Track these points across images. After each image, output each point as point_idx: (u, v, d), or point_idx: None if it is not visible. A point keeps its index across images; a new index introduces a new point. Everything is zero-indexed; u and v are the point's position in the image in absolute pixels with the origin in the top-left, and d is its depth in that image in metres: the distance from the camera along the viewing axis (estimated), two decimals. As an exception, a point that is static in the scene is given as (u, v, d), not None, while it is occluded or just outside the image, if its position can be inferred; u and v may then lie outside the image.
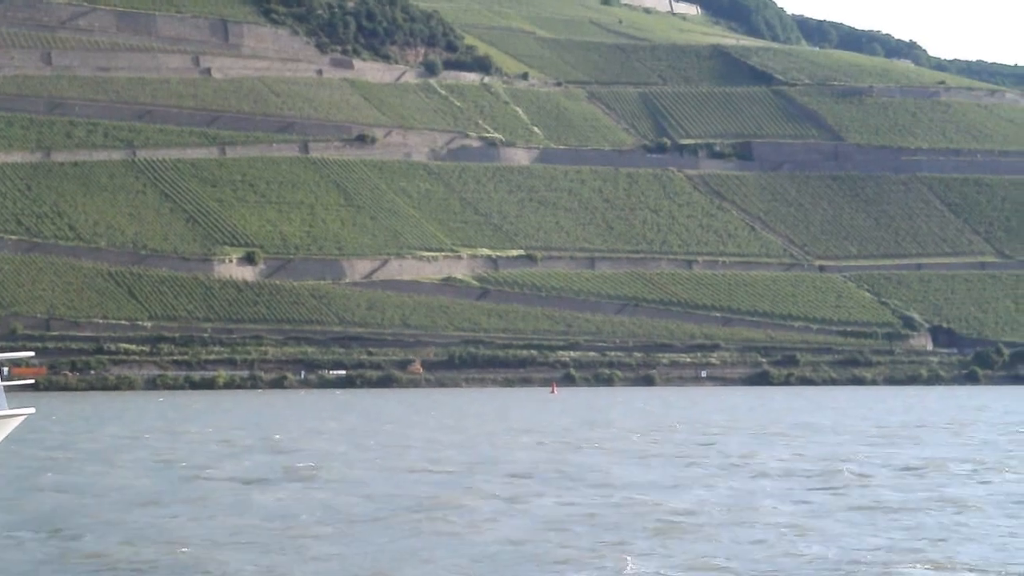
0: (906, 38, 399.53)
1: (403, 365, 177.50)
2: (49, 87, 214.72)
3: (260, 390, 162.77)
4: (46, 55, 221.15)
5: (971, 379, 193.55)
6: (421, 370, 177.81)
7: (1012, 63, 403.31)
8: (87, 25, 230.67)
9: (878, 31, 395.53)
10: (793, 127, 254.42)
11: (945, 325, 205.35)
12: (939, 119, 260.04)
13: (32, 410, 30.09)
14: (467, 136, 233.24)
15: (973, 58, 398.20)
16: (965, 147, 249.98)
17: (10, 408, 27.78)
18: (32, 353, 34.35)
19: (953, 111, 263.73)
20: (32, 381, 35.81)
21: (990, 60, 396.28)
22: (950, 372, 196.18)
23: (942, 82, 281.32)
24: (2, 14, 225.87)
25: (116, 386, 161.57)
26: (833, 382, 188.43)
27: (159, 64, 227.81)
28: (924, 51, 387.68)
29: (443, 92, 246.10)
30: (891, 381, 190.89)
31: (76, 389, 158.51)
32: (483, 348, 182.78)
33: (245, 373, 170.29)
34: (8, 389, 28.95)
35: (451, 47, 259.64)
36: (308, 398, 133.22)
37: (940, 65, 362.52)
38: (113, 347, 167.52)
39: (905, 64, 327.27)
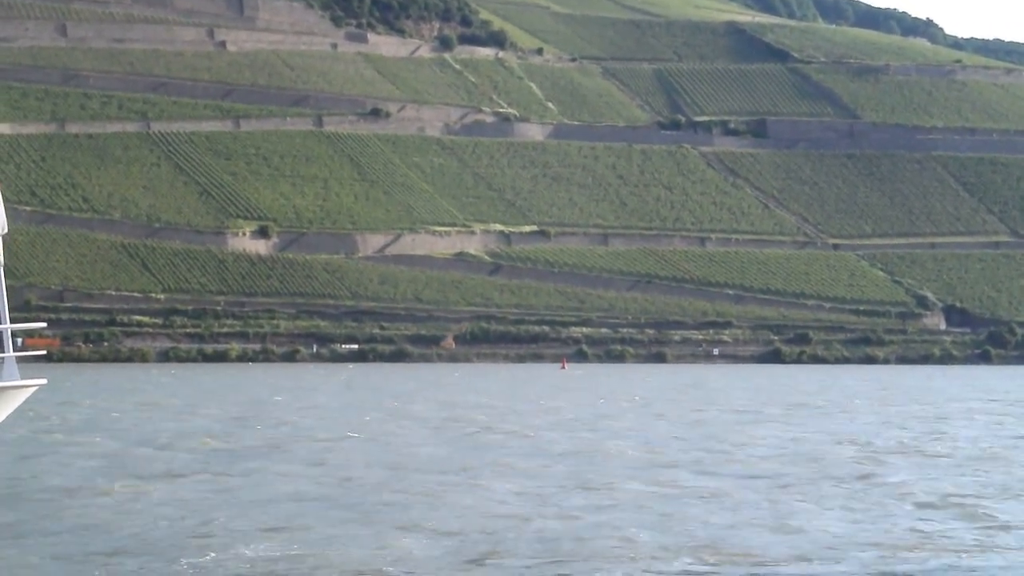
0: (922, 16, 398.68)
1: (415, 340, 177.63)
2: (64, 58, 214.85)
3: (272, 363, 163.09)
4: (61, 26, 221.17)
5: (984, 359, 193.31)
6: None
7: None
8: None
9: (894, 9, 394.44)
10: (808, 105, 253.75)
11: (959, 304, 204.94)
12: (955, 98, 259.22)
13: (44, 381, 30.14)
14: (481, 111, 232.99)
15: (990, 36, 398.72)
16: (981, 126, 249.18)
17: (23, 379, 27.87)
18: (45, 324, 34.41)
19: (969, 90, 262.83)
20: (44, 352, 35.90)
21: (1007, 39, 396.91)
22: (963, 352, 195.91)
23: (958, 60, 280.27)
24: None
25: (129, 358, 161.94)
26: (846, 361, 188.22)
27: (174, 36, 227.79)
28: (940, 29, 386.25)
29: (457, 67, 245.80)
30: (903, 360, 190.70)
31: (89, 361, 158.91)
32: (495, 323, 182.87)
33: (257, 346, 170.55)
34: (21, 360, 29.02)
35: (466, 22, 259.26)
36: (339, 371, 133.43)
37: (956, 43, 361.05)
38: (126, 319, 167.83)
39: (921, 42, 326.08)
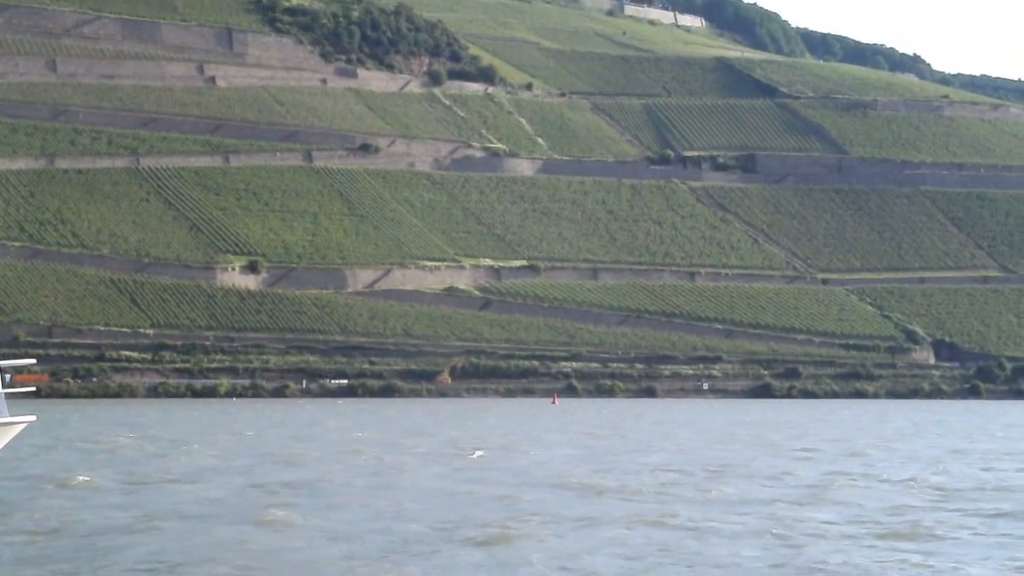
0: (910, 52, 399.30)
1: (404, 375, 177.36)
2: (54, 94, 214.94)
3: (263, 399, 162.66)
4: (51, 62, 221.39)
5: (973, 393, 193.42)
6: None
7: (1016, 77, 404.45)
8: (92, 33, 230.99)
9: (882, 44, 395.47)
10: (797, 140, 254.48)
11: (948, 339, 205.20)
12: (943, 133, 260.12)
13: (33, 418, 30.05)
14: (470, 146, 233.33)
15: (977, 72, 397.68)
16: (969, 161, 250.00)
17: (11, 416, 27.74)
18: (34, 360, 34.35)
19: (957, 125, 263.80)
20: (33, 388, 35.51)
21: (994, 74, 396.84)
22: (952, 386, 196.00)
23: (946, 96, 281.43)
24: (7, 21, 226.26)
25: (118, 393, 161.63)
26: (835, 395, 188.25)
27: (163, 72, 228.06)
28: (928, 65, 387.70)
29: (447, 102, 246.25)
30: (893, 395, 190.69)
31: (78, 396, 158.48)
32: (485, 358, 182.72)
33: (247, 382, 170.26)
34: (9, 396, 28.90)
35: (455, 57, 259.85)
36: (350, 407, 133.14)
37: (944, 79, 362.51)
38: (115, 355, 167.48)
39: (909, 78, 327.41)
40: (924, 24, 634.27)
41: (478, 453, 55.40)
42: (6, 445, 29.39)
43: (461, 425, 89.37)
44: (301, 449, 59.87)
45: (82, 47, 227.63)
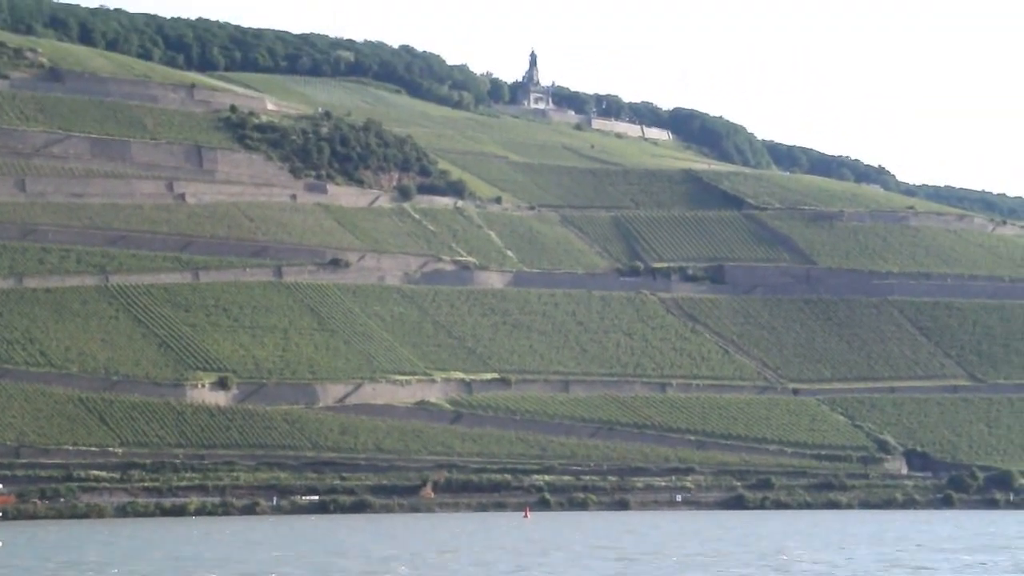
0: (875, 163, 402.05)
1: (376, 491, 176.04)
2: (22, 214, 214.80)
3: (232, 516, 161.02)
4: (20, 182, 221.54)
5: (946, 503, 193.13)
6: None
7: (980, 188, 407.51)
8: (61, 152, 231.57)
9: (847, 156, 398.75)
10: (765, 251, 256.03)
11: (919, 449, 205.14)
12: (909, 243, 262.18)
13: (-1, 544, 29.40)
14: (440, 260, 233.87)
15: (941, 183, 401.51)
16: (935, 271, 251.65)
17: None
18: (1, 486, 33.92)
19: (922, 235, 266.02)
20: (1, 513, 34.82)
21: (958, 185, 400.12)
22: (925, 496, 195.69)
23: (911, 207, 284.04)
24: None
25: (86, 514, 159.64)
26: (808, 506, 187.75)
27: (133, 190, 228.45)
28: (893, 176, 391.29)
29: (417, 216, 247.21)
30: (866, 505, 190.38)
31: (45, 517, 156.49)
32: (456, 472, 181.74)
33: (217, 499, 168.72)
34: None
35: (424, 172, 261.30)
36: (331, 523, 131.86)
37: (909, 190, 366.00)
38: (83, 474, 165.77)
39: (874, 189, 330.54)
40: (888, 136, 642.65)
41: (402, 570, 55.16)
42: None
43: (414, 542, 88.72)
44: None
45: (51, 166, 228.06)
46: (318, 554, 73.81)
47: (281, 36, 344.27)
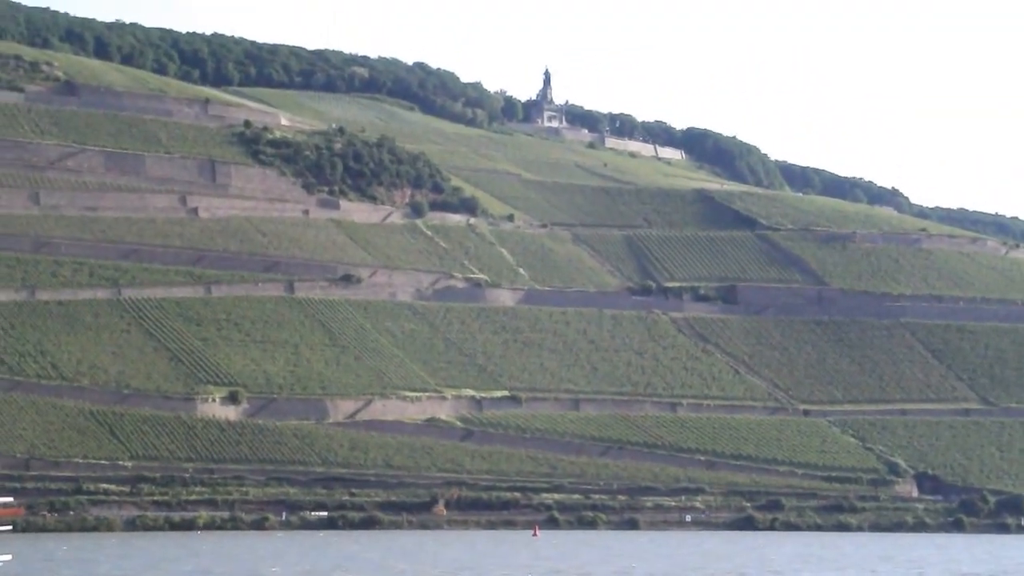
0: (888, 185, 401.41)
1: (385, 507, 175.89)
2: (36, 227, 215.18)
3: (242, 531, 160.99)
4: (34, 195, 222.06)
5: (957, 527, 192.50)
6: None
7: (993, 211, 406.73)
8: (75, 166, 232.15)
9: (860, 178, 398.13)
10: (777, 271, 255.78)
11: (930, 471, 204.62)
12: (921, 265, 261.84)
13: (8, 557, 29.48)
14: (452, 277, 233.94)
15: (955, 206, 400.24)
16: (947, 294, 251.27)
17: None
18: (12, 499, 33.92)
19: (935, 258, 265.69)
20: (10, 527, 34.84)
21: (971, 208, 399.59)
22: (936, 519, 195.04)
23: (924, 229, 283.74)
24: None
25: (95, 527, 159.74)
26: (818, 528, 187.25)
27: (146, 204, 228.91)
28: (906, 198, 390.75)
29: (429, 233, 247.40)
30: (876, 528, 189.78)
31: (54, 530, 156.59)
32: (466, 490, 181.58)
33: (226, 514, 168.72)
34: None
35: (437, 188, 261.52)
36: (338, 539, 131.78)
37: (922, 212, 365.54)
38: (93, 487, 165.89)
39: (887, 211, 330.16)
40: (902, 158, 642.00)
41: None
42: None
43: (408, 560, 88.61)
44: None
45: (65, 179, 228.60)
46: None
47: (296, 52, 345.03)
